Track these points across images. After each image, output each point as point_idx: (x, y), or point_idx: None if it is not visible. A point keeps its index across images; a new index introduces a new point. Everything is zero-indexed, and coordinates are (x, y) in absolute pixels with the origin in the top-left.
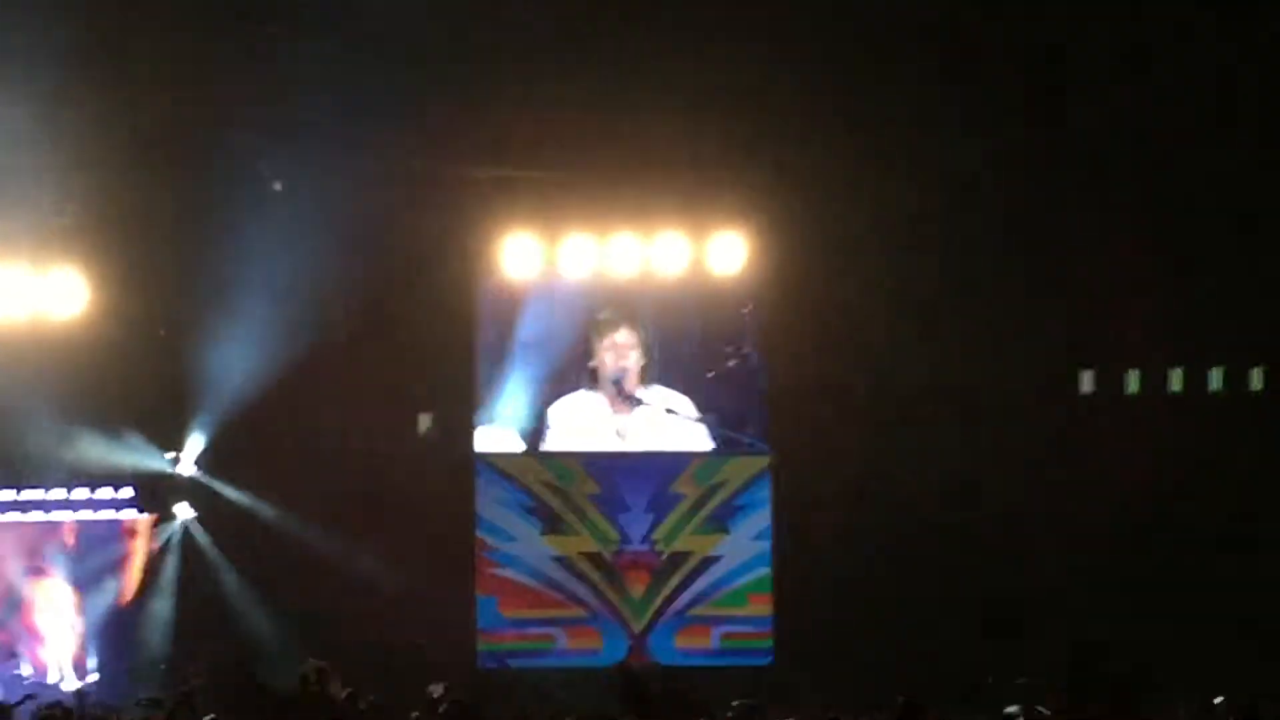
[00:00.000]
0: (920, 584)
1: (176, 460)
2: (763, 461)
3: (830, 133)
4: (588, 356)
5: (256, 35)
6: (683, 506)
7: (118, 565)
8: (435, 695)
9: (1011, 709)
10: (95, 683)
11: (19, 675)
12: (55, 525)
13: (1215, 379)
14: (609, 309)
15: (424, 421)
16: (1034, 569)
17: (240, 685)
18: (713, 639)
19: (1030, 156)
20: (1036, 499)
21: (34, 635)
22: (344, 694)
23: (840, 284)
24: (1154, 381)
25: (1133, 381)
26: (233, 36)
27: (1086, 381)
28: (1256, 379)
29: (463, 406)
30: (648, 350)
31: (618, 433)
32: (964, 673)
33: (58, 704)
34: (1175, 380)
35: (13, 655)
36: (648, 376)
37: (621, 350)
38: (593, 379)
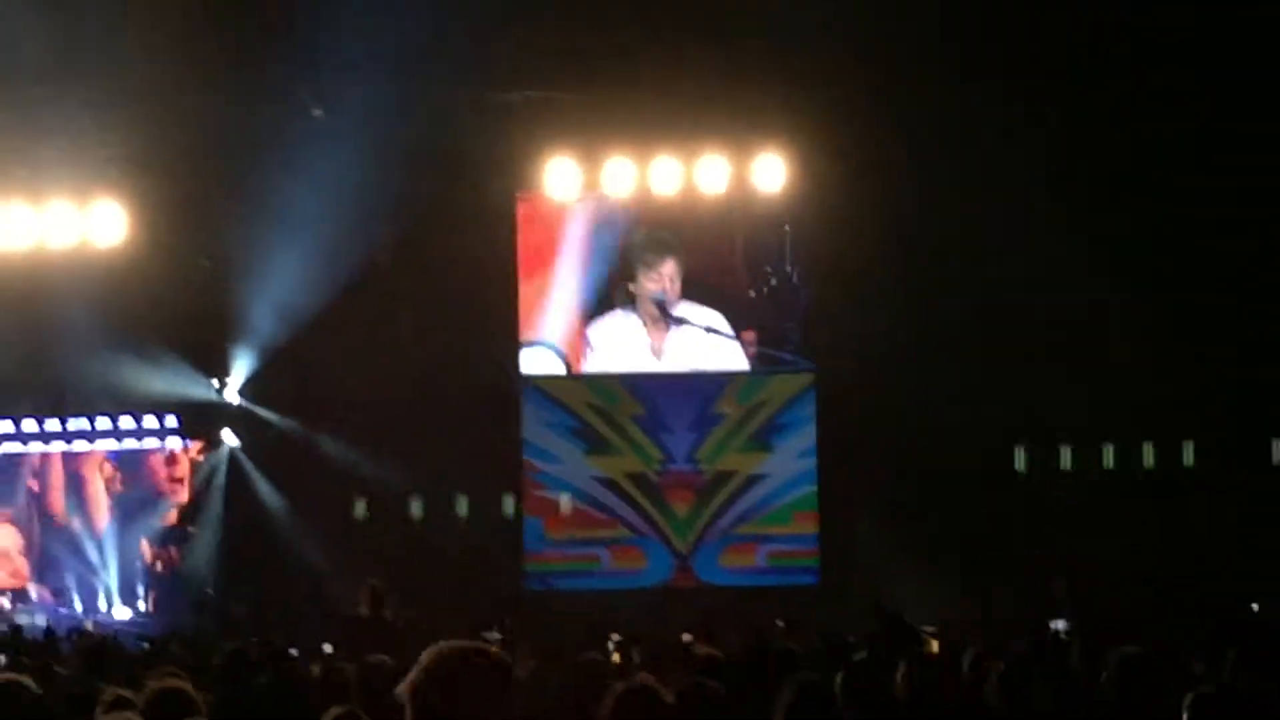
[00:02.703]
0: (962, 499)
1: (221, 387)
2: (806, 379)
3: (870, 55)
4: (628, 279)
5: None
6: (726, 425)
7: (164, 493)
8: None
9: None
10: (143, 612)
11: (67, 611)
12: (101, 454)
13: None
14: (649, 236)
15: None
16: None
17: (284, 610)
18: (758, 557)
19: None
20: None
21: (82, 566)
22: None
23: (880, 203)
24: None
25: None
26: None
27: None
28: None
29: (507, 329)
30: (686, 276)
31: (655, 352)
32: (1003, 588)
33: (98, 634)
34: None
35: (59, 593)
36: (685, 294)
37: (662, 275)
38: (628, 297)
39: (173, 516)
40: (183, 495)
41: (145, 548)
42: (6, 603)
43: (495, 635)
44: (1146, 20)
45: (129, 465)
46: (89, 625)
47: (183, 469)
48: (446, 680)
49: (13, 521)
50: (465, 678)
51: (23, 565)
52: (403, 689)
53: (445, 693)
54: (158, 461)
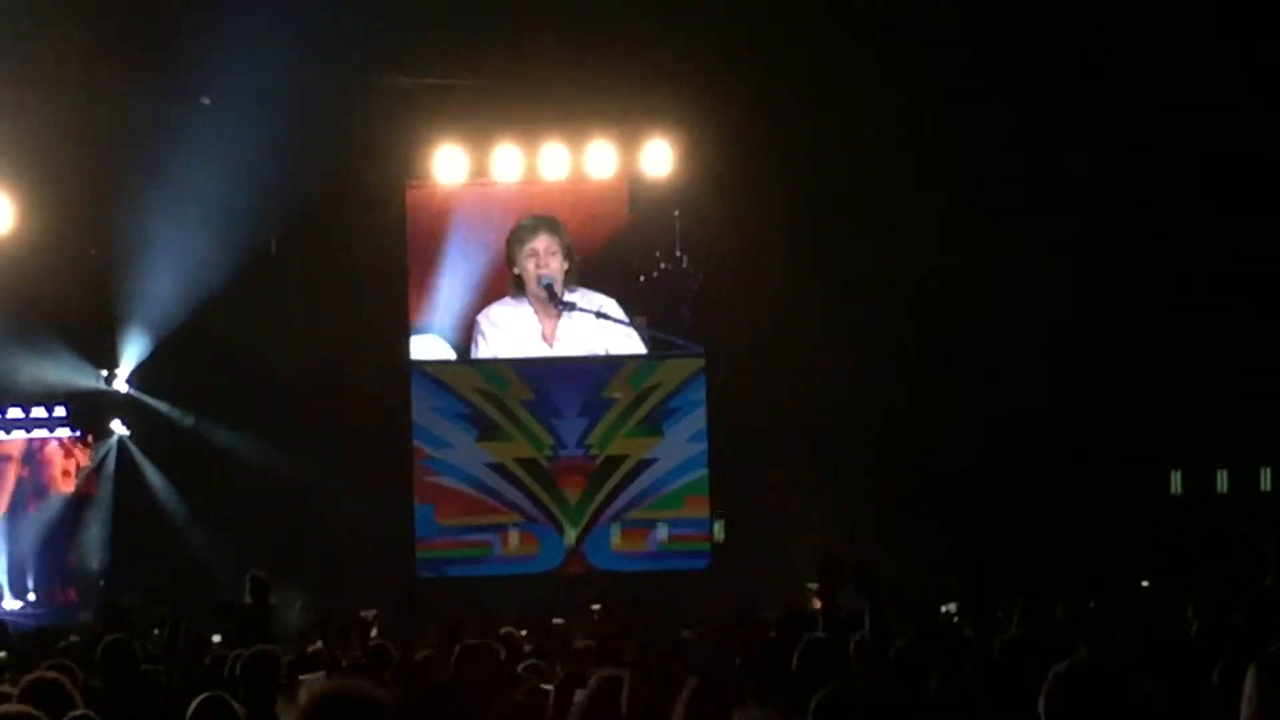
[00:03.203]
0: (851, 481)
1: (110, 378)
2: (696, 363)
3: (757, 40)
4: (511, 263)
5: None
6: (616, 410)
7: (52, 485)
8: (368, 619)
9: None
10: (33, 603)
11: None
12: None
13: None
14: (527, 216)
15: None
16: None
17: (177, 600)
18: (650, 542)
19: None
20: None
21: None
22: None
23: (767, 187)
24: None
25: None
26: None
27: None
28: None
29: (396, 315)
30: (568, 255)
31: (544, 337)
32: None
33: None
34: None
35: None
36: (572, 279)
37: (542, 257)
38: (519, 285)
39: (62, 507)
40: (72, 486)
41: (34, 539)
42: None
43: (371, 613)
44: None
45: (19, 456)
46: None
47: (76, 460)
48: None
49: None
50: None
51: None
52: None
53: None
54: (51, 453)
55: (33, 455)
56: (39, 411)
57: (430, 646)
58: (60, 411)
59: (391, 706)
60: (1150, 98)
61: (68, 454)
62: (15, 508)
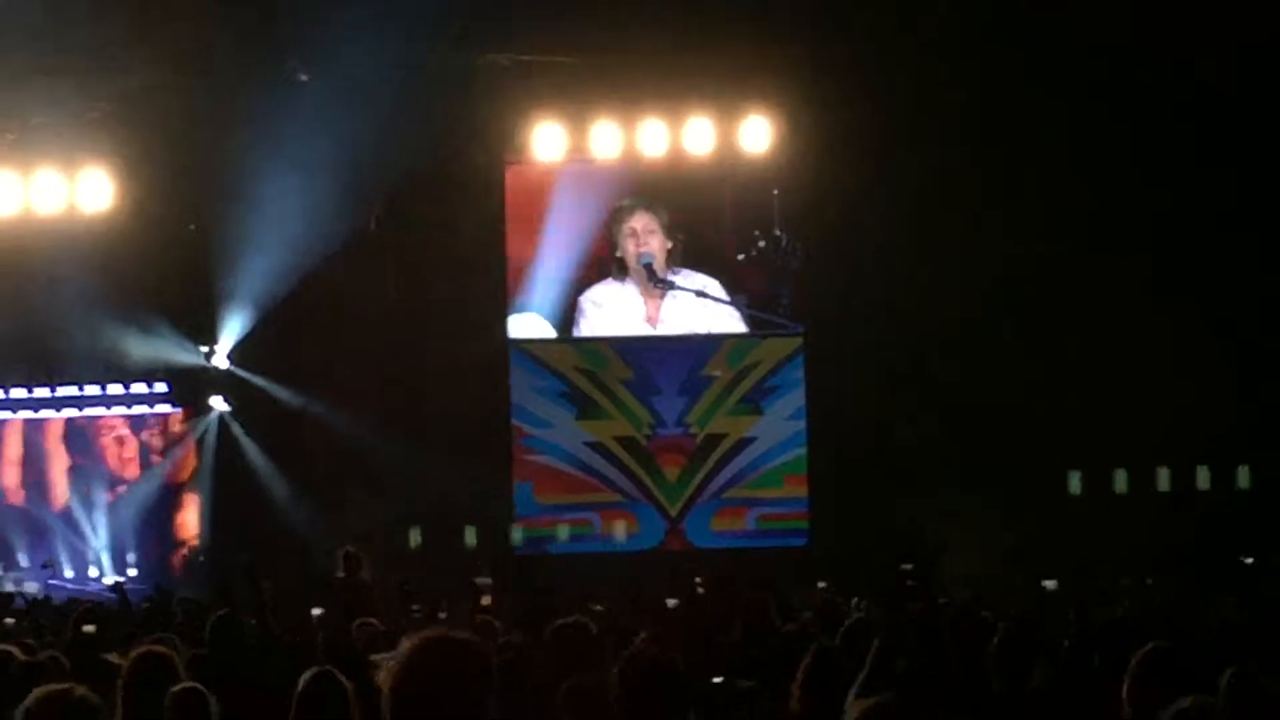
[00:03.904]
0: (950, 459)
1: (210, 353)
2: (795, 342)
3: (857, 14)
4: (612, 245)
5: None
6: (716, 388)
7: (154, 459)
8: (481, 584)
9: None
10: (134, 577)
11: (59, 581)
12: (90, 420)
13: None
14: (626, 197)
15: None
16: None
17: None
18: (748, 520)
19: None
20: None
21: (74, 532)
22: (377, 578)
23: (866, 165)
24: None
25: None
26: None
27: None
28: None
29: (495, 294)
30: (669, 234)
31: (648, 318)
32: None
33: (98, 604)
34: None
35: (47, 565)
36: (673, 261)
37: (641, 236)
38: (621, 267)
39: (164, 481)
40: (174, 461)
41: (136, 512)
42: None
43: (486, 580)
44: None
45: (119, 432)
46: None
47: (176, 436)
48: (425, 671)
49: None
50: (444, 669)
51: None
52: (381, 679)
53: (425, 684)
54: (151, 428)
55: (133, 430)
56: (139, 387)
57: (523, 624)
58: (161, 387)
59: (489, 655)
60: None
61: (167, 430)
62: (115, 482)
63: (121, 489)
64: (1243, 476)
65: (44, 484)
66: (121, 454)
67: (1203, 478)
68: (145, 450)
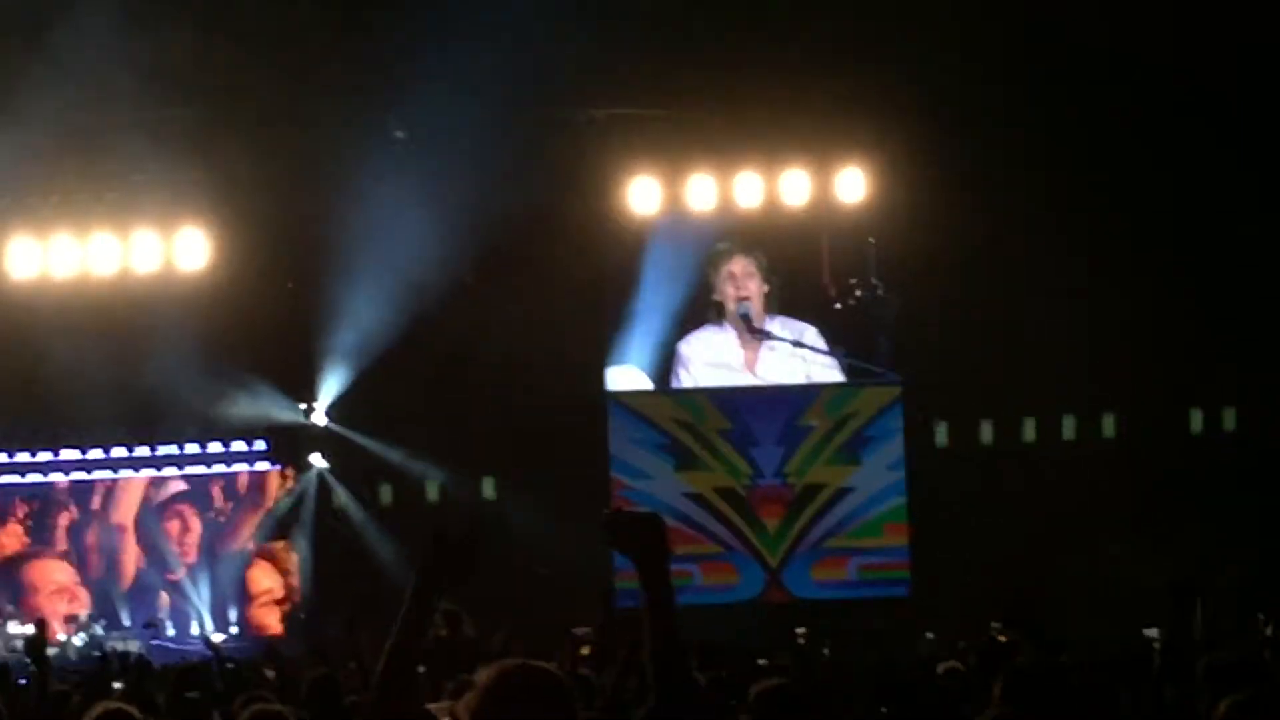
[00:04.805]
0: (1047, 509)
1: (310, 410)
2: (893, 391)
3: (951, 66)
4: (710, 290)
5: None
6: (814, 438)
7: (255, 517)
8: (580, 635)
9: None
10: (236, 635)
11: (161, 641)
12: (193, 479)
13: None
14: (724, 240)
15: None
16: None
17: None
18: (849, 570)
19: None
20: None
21: (176, 591)
22: (476, 633)
23: (962, 214)
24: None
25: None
26: None
27: None
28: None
29: (594, 346)
30: (767, 278)
31: (747, 366)
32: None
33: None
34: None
35: (150, 624)
36: (771, 306)
37: (739, 280)
38: (719, 314)
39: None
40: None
41: (237, 570)
42: (99, 629)
43: (584, 630)
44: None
45: (221, 490)
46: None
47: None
48: (506, 700)
49: (65, 556)
50: (525, 698)
51: (83, 595)
52: (461, 708)
53: (504, 712)
54: (254, 486)
55: (234, 488)
56: (239, 445)
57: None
58: (260, 445)
59: (569, 684)
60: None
61: (268, 487)
62: (217, 541)
63: (227, 546)
64: None
65: (149, 544)
66: (224, 513)
67: None
68: (248, 508)
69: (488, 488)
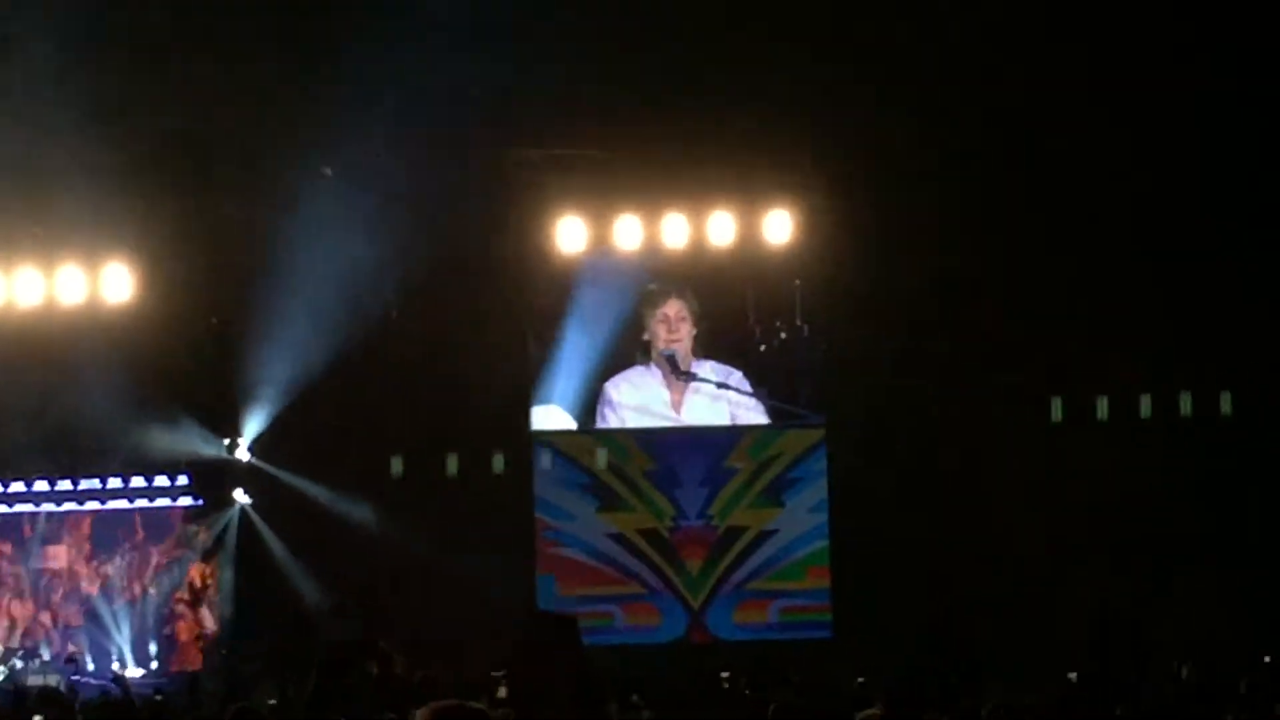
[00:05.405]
0: (974, 551)
1: (233, 446)
2: (817, 434)
3: (880, 111)
4: (640, 330)
5: (302, 27)
6: (738, 480)
7: (174, 553)
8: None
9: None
10: (155, 671)
11: (82, 679)
12: (113, 514)
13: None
14: (659, 281)
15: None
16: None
17: (301, 669)
18: (771, 613)
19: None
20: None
21: (96, 626)
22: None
23: (888, 257)
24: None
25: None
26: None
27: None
28: (1225, 403)
29: (518, 385)
30: (698, 321)
31: (673, 408)
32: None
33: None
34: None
35: (73, 660)
36: (699, 349)
37: (673, 322)
38: (645, 353)
39: (184, 576)
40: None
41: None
42: (18, 663)
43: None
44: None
45: (142, 525)
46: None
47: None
48: None
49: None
50: None
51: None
52: None
53: None
54: (174, 523)
55: (155, 525)
56: (161, 480)
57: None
58: (183, 480)
59: None
60: None
61: (189, 523)
62: (139, 577)
63: (145, 582)
64: None
65: (67, 578)
66: (145, 548)
67: None
68: (169, 544)
69: (412, 526)
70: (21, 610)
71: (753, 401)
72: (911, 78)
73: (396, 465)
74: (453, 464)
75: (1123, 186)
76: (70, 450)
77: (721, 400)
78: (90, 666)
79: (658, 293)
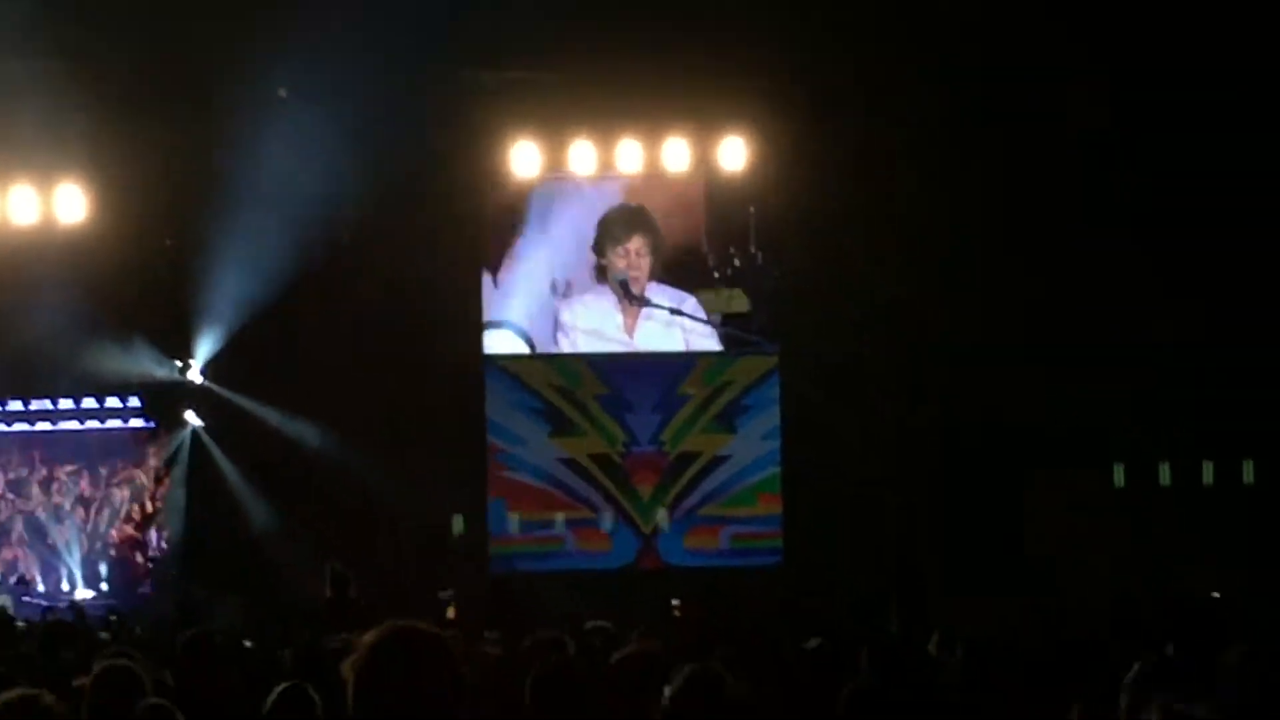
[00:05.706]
0: (927, 480)
1: (185, 368)
2: (770, 361)
3: (834, 37)
4: (599, 254)
5: None
6: (690, 406)
7: (125, 474)
8: (445, 599)
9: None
10: (105, 593)
11: (32, 600)
12: (64, 434)
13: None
14: (622, 209)
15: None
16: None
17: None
18: (722, 539)
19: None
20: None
21: (46, 547)
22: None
23: (843, 184)
24: None
25: None
26: None
27: None
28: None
29: (471, 309)
30: (656, 251)
31: (625, 330)
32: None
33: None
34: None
35: (23, 581)
36: (653, 274)
37: (632, 257)
38: (600, 277)
39: (137, 498)
40: (145, 477)
41: (114, 530)
42: None
43: (449, 593)
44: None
45: (94, 447)
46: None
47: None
48: (391, 658)
49: None
50: (410, 657)
51: None
52: (346, 667)
53: (389, 672)
54: (126, 443)
55: (107, 446)
56: (113, 402)
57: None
58: (135, 402)
59: (454, 647)
60: None
61: (141, 444)
62: (89, 498)
63: (96, 503)
64: None
65: (17, 498)
66: (95, 469)
67: None
68: (120, 465)
69: (364, 449)
70: None
71: (706, 328)
72: (872, 5)
73: (348, 388)
74: (406, 387)
75: (1121, 178)
76: (22, 371)
77: (675, 326)
78: (40, 588)
79: (618, 224)
